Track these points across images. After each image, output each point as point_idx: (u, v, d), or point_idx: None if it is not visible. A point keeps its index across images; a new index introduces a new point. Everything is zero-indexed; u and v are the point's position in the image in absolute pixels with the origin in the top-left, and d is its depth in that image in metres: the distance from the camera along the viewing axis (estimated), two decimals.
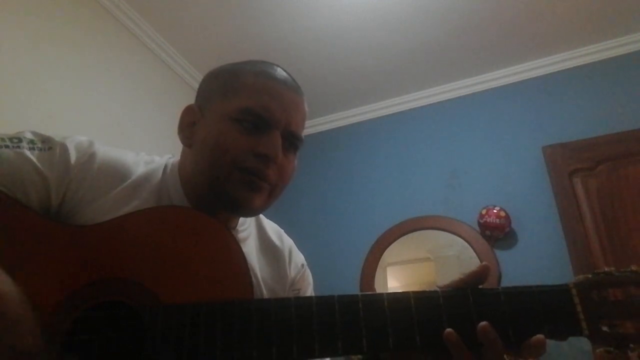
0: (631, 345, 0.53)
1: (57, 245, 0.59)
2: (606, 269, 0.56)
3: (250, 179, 0.68)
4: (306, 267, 0.88)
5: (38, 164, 0.63)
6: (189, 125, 0.76)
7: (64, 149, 0.66)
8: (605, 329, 0.54)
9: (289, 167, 0.74)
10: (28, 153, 0.63)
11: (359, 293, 0.57)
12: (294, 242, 0.89)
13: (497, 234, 2.31)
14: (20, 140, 0.65)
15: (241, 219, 0.79)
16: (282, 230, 0.89)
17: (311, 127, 3.00)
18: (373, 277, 2.51)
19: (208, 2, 2.20)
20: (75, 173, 0.66)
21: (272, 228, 0.87)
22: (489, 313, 0.55)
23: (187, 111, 0.77)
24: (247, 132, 0.69)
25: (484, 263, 0.61)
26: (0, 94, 1.62)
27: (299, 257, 0.88)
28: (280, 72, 0.75)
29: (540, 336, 0.53)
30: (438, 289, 0.58)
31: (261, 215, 0.86)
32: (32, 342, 0.47)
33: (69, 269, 0.57)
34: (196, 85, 0.81)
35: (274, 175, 0.70)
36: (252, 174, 0.68)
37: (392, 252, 2.55)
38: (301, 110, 0.75)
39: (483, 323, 0.54)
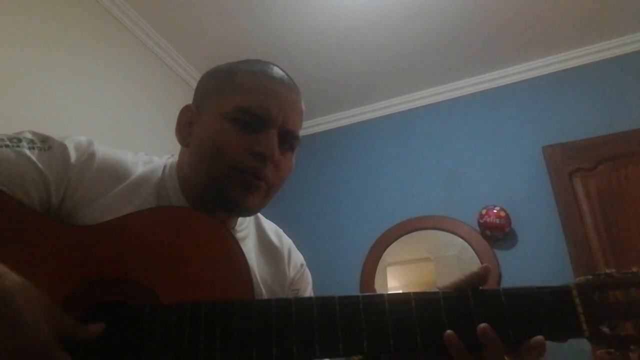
0: (632, 347, 0.53)
1: (58, 245, 0.59)
2: (607, 270, 0.56)
3: (247, 178, 0.68)
4: (305, 267, 0.88)
5: (38, 163, 0.63)
6: (186, 125, 0.76)
7: (64, 148, 0.66)
8: (606, 330, 0.53)
9: (286, 166, 0.74)
10: (28, 152, 0.63)
11: (360, 294, 0.57)
12: (294, 242, 0.89)
13: (497, 234, 2.31)
14: (19, 140, 0.65)
15: (240, 219, 0.79)
16: (281, 230, 0.89)
17: (311, 127, 3.00)
18: (373, 277, 2.51)
19: (208, 2, 2.20)
20: (74, 172, 0.66)
21: (271, 228, 0.87)
22: (489, 314, 0.55)
23: (185, 111, 0.77)
24: (243, 131, 0.69)
25: (485, 264, 0.61)
26: (1, 93, 1.62)
27: (298, 257, 0.87)
28: (277, 71, 0.75)
29: (539, 337, 0.53)
30: (439, 290, 0.58)
31: (260, 215, 0.86)
32: (41, 339, 0.47)
33: (69, 269, 0.57)
34: (195, 85, 0.81)
35: (271, 174, 0.70)
36: (249, 173, 0.68)
37: (392, 252, 2.55)
38: (298, 108, 0.75)
39: (483, 325, 0.54)
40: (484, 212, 2.35)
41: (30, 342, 0.46)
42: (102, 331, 0.53)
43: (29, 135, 0.66)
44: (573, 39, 2.46)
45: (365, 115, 2.96)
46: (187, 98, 0.79)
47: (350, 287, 2.47)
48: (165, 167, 0.76)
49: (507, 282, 2.23)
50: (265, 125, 0.70)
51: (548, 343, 0.54)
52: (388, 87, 2.80)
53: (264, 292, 0.76)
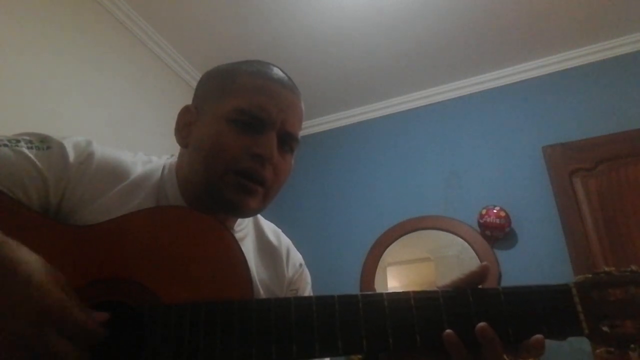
0: (632, 345, 0.53)
1: (57, 245, 0.59)
2: (606, 269, 0.56)
3: (244, 182, 0.68)
4: (304, 266, 0.88)
5: (37, 162, 0.63)
6: (185, 125, 0.75)
7: (62, 148, 0.66)
8: (605, 328, 0.53)
9: (285, 168, 0.73)
10: (27, 151, 0.64)
11: (359, 293, 0.57)
12: (294, 242, 0.89)
13: (497, 234, 2.31)
14: (18, 140, 0.65)
15: (239, 219, 0.79)
16: (280, 230, 0.89)
17: (311, 127, 3.00)
18: (373, 277, 2.51)
19: (208, 2, 2.20)
20: (73, 172, 0.66)
21: (269, 228, 0.87)
22: (488, 313, 0.55)
23: (184, 112, 0.77)
24: (242, 132, 0.69)
25: (484, 263, 0.61)
26: (1, 94, 1.62)
27: (296, 257, 0.87)
28: (276, 72, 0.75)
29: (539, 336, 0.53)
30: (438, 289, 0.58)
31: (259, 215, 0.85)
32: (61, 303, 0.47)
33: (69, 269, 0.57)
34: (195, 85, 0.81)
35: (269, 176, 0.70)
36: (247, 175, 0.68)
37: (392, 252, 2.55)
38: (297, 110, 0.75)
39: (481, 323, 0.54)
40: (484, 212, 2.35)
41: (48, 299, 0.46)
42: (105, 320, 0.52)
43: (28, 135, 0.66)
44: (573, 39, 2.46)
45: (365, 115, 2.96)
46: (187, 98, 0.79)
47: (350, 287, 2.47)
48: (164, 167, 0.76)
49: (507, 282, 2.23)
50: (264, 126, 0.69)
51: (548, 342, 0.54)
52: (388, 87, 2.80)
53: (262, 292, 0.76)
